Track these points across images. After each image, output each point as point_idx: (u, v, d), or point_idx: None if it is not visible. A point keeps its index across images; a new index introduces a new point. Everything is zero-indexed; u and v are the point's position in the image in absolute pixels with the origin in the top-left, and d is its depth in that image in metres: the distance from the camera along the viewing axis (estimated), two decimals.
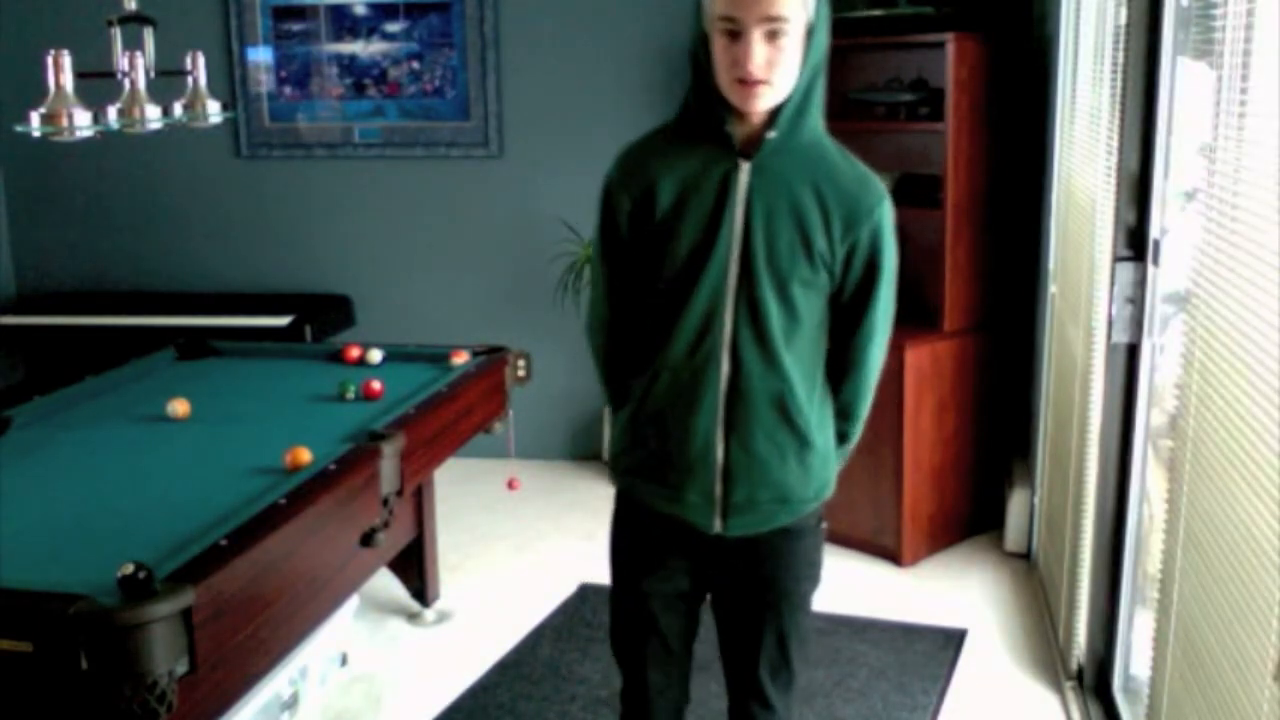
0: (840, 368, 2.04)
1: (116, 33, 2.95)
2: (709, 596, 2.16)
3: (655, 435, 2.01)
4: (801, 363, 1.96)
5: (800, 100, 1.87)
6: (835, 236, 1.91)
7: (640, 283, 2.00)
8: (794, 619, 2.09)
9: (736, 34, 1.78)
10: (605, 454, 4.84)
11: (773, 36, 1.78)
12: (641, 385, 2.01)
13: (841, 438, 2.09)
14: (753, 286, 1.89)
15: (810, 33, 1.83)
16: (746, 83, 1.80)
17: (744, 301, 1.90)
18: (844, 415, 2.08)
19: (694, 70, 1.90)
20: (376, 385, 3.30)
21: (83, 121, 2.67)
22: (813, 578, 2.12)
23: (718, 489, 1.97)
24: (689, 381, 1.94)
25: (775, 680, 2.11)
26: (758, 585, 2.07)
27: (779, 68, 1.80)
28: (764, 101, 1.84)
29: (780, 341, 1.91)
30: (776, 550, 2.05)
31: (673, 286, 1.93)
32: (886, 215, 1.96)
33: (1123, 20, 2.70)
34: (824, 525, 2.14)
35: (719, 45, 1.82)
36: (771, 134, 1.87)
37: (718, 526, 2.00)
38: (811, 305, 1.94)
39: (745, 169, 1.88)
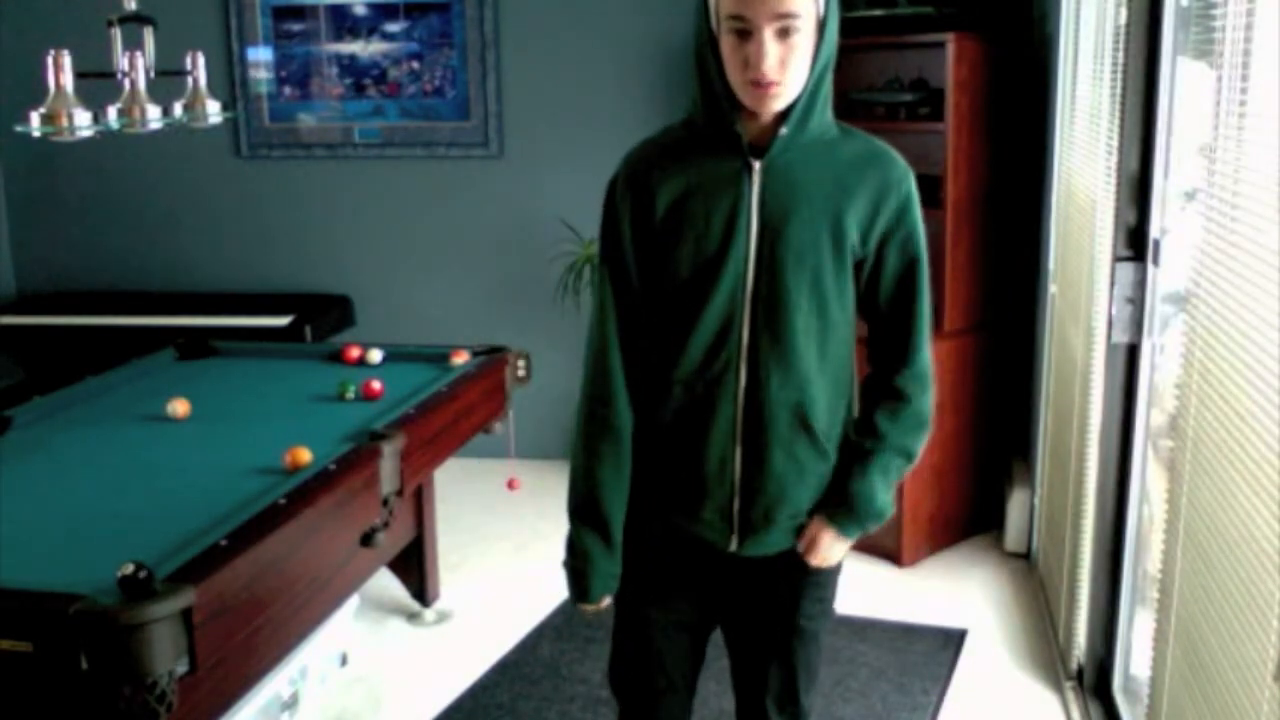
0: (890, 375, 1.91)
1: (116, 33, 2.95)
2: (720, 627, 2.08)
3: (667, 454, 1.91)
4: (826, 371, 1.86)
5: (810, 96, 1.78)
6: (865, 217, 1.83)
7: (646, 295, 1.89)
8: (804, 653, 2.02)
9: (747, 33, 1.69)
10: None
11: (784, 34, 1.69)
12: (650, 403, 1.92)
13: (906, 455, 1.94)
14: (776, 287, 1.80)
15: (821, 27, 1.74)
16: (760, 84, 1.72)
17: (763, 305, 1.81)
18: (911, 428, 1.92)
19: (699, 70, 1.79)
20: (376, 385, 3.30)
21: (83, 121, 2.67)
22: (824, 613, 2.03)
23: (735, 506, 1.89)
24: (703, 396, 1.85)
25: (781, 714, 2.05)
26: (767, 613, 2.00)
27: (791, 67, 1.72)
28: (778, 103, 1.75)
29: (803, 345, 1.82)
30: (788, 575, 1.96)
31: (684, 295, 1.84)
32: (913, 190, 1.87)
33: (1123, 20, 2.70)
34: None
35: (728, 45, 1.73)
36: (783, 131, 1.78)
37: (733, 545, 1.92)
38: (841, 305, 1.85)
39: (757, 168, 1.80)
